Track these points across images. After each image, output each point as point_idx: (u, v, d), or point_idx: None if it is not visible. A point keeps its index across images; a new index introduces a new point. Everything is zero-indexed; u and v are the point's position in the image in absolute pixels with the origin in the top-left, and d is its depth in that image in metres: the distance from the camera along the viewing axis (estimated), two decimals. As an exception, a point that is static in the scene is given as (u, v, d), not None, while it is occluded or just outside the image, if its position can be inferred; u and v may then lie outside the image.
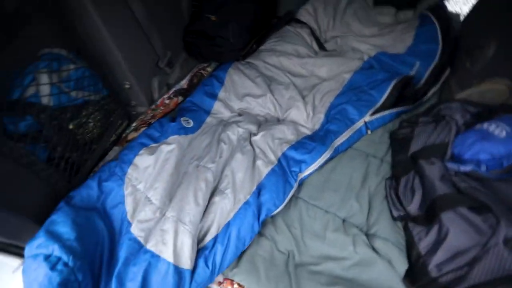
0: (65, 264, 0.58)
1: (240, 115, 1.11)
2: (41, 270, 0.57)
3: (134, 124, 1.08)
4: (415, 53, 1.21)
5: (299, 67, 1.24)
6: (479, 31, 1.09)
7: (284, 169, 0.89)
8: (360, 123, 1.03)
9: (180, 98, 1.20)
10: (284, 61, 1.25)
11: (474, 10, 1.16)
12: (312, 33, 1.38)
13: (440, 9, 1.28)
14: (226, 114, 1.11)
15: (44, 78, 0.68)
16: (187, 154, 0.89)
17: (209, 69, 1.32)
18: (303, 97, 1.12)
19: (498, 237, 0.59)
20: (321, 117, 1.08)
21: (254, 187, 0.84)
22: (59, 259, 0.58)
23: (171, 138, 0.90)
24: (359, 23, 1.38)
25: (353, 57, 1.25)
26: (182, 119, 0.97)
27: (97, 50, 0.88)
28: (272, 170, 0.88)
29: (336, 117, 1.04)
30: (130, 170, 0.82)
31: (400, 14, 1.43)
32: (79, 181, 0.84)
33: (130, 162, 0.83)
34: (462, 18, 1.27)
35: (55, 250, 0.59)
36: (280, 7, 1.52)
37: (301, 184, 0.92)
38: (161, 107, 1.16)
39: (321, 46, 1.36)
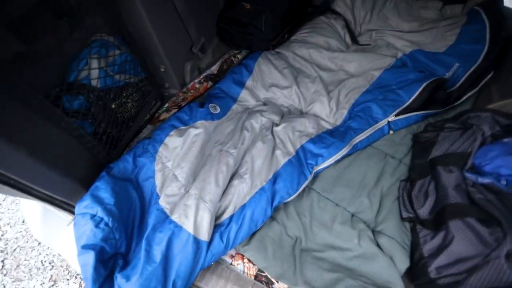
0: (106, 224, 0.70)
1: (265, 104, 1.16)
2: (88, 227, 0.69)
3: (166, 105, 1.17)
4: (455, 53, 1.14)
5: (328, 60, 1.23)
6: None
7: (300, 161, 0.93)
8: (383, 123, 1.03)
9: (210, 83, 1.26)
10: (314, 53, 1.24)
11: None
12: (347, 25, 1.35)
13: (494, 5, 1.16)
14: (251, 102, 1.15)
15: (94, 63, 0.78)
16: (212, 138, 0.97)
17: (239, 56, 1.35)
18: (328, 92, 1.13)
19: (501, 250, 0.61)
20: (344, 113, 1.09)
21: (271, 175, 0.90)
22: (101, 219, 0.70)
23: (199, 122, 0.98)
24: (398, 17, 1.31)
25: (385, 54, 1.21)
26: (210, 105, 1.03)
27: (138, 37, 0.96)
28: (289, 161, 0.93)
29: (359, 115, 1.05)
30: (161, 149, 0.92)
31: (447, 9, 1.32)
32: (116, 153, 0.96)
33: (161, 142, 0.93)
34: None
35: (99, 211, 0.71)
36: (316, -4, 1.48)
37: (315, 176, 0.96)
38: (192, 91, 1.23)
39: (354, 39, 1.33)
